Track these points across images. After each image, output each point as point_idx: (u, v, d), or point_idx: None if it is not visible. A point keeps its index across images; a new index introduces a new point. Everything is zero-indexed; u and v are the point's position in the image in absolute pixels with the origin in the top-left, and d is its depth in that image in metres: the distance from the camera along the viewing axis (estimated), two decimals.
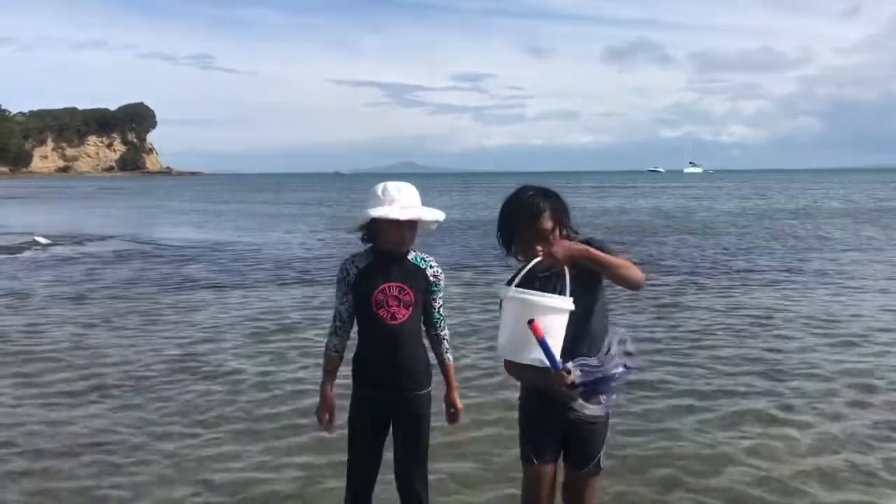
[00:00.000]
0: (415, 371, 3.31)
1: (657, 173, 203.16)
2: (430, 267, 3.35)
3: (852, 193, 52.47)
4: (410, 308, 3.26)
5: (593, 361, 2.74)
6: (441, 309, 3.40)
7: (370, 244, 3.31)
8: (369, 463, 3.37)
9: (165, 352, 8.05)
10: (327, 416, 3.34)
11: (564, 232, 2.97)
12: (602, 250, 2.84)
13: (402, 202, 3.19)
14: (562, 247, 2.79)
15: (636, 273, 2.83)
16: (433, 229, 3.41)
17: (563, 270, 2.82)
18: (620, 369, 2.71)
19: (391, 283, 3.24)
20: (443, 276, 3.39)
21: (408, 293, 3.26)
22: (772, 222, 26.69)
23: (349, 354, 3.38)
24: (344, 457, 3.44)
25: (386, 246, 3.27)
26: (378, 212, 3.15)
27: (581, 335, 2.88)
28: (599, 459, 3.04)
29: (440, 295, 3.39)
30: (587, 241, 2.93)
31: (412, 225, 3.23)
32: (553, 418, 2.99)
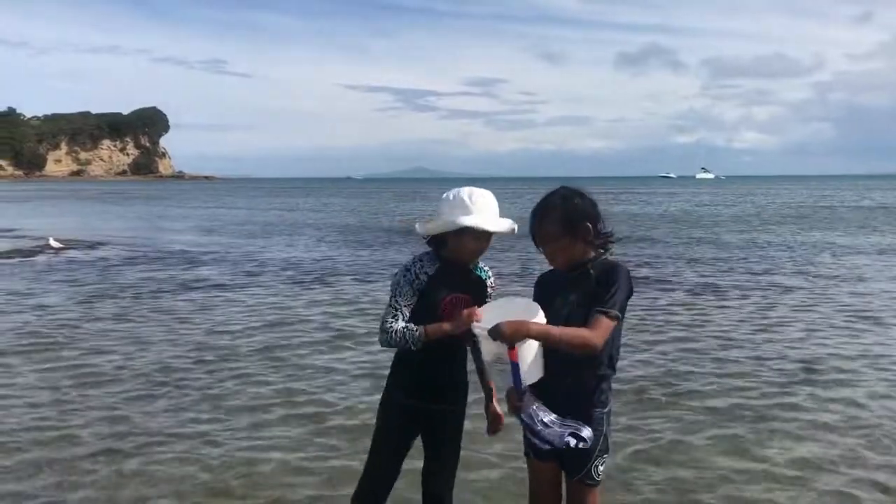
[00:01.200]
0: (462, 384, 3.23)
1: (668, 179, 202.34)
2: (489, 277, 3.25)
3: (863, 199, 52.15)
4: None
5: (546, 417, 2.77)
6: None
7: (430, 249, 3.17)
8: (387, 473, 3.24)
9: (187, 350, 8.14)
10: (462, 317, 2.97)
11: (580, 241, 2.91)
12: (608, 290, 2.81)
13: (491, 212, 3.07)
14: (508, 327, 2.72)
15: (585, 343, 2.75)
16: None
17: (568, 285, 2.90)
18: (562, 438, 2.75)
19: (460, 294, 3.10)
20: (495, 286, 3.28)
21: (473, 306, 3.09)
22: (781, 227, 26.60)
23: (389, 355, 3.24)
24: (359, 460, 3.36)
25: (456, 254, 3.13)
26: (471, 220, 3.00)
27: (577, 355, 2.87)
28: (592, 471, 2.93)
29: None
30: (611, 267, 2.89)
31: (490, 237, 3.10)
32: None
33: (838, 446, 5.32)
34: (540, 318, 2.80)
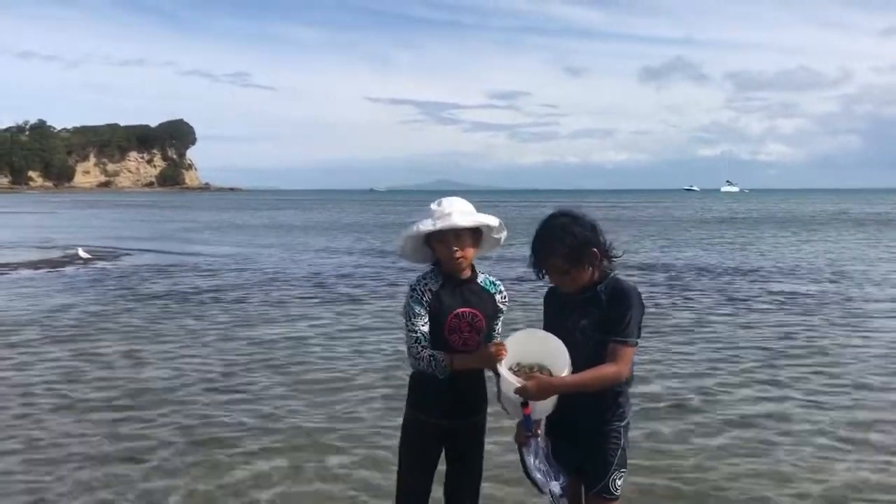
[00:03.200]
0: (478, 398, 3.16)
1: (692, 192, 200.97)
2: (500, 292, 3.18)
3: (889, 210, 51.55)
4: (482, 335, 3.07)
5: (542, 464, 2.88)
6: (500, 333, 3.21)
7: (434, 266, 3.13)
8: (418, 494, 3.19)
9: (215, 361, 8.16)
10: (489, 353, 2.90)
11: (587, 267, 2.88)
12: (623, 317, 2.82)
13: (456, 213, 2.98)
14: (535, 385, 2.76)
15: (609, 382, 2.82)
16: (499, 239, 3.17)
17: (577, 307, 2.92)
18: (545, 486, 2.85)
19: (465, 309, 3.05)
20: (507, 299, 3.22)
21: (480, 319, 3.07)
22: (806, 240, 26.33)
23: (407, 372, 3.21)
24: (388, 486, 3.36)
25: (445, 265, 3.07)
26: (425, 224, 2.98)
27: None
28: (611, 485, 2.91)
29: (502, 319, 3.21)
30: (621, 290, 2.88)
31: (460, 238, 3.01)
32: (565, 433, 3.03)
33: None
34: (565, 358, 2.81)
